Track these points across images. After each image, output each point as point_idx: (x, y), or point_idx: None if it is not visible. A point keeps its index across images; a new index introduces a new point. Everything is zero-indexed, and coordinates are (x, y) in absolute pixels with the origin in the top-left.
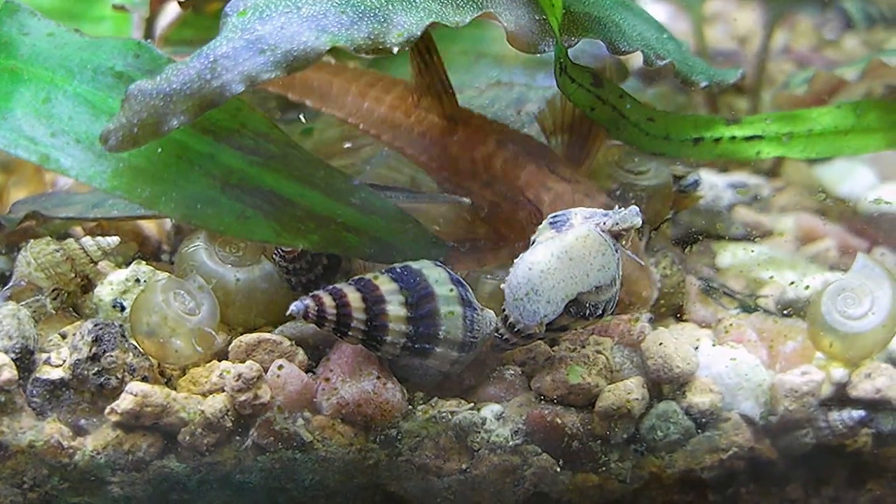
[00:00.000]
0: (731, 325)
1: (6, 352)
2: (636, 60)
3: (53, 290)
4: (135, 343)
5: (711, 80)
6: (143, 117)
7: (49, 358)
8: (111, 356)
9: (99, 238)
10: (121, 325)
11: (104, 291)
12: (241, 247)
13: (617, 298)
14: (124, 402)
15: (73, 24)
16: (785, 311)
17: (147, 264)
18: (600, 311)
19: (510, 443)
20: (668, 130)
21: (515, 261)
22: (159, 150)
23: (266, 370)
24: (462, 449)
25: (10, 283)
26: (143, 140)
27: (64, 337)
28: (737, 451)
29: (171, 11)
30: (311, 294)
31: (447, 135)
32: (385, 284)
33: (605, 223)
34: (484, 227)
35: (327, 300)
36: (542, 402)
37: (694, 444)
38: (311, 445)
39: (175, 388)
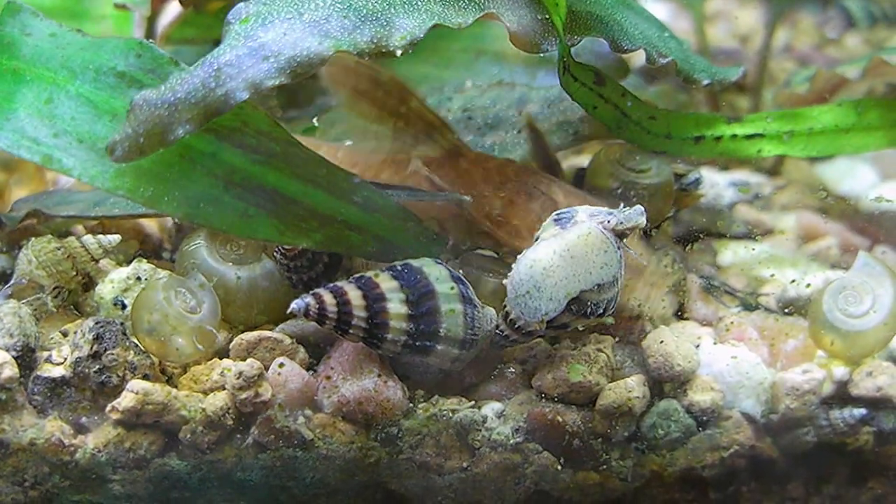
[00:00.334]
0: (732, 323)
1: (7, 350)
2: (638, 59)
3: (55, 288)
4: (136, 341)
5: (713, 77)
6: (149, 127)
7: (50, 356)
8: (112, 354)
9: (100, 236)
10: (122, 324)
11: (105, 289)
12: (242, 245)
13: (618, 297)
14: (125, 400)
15: (74, 23)
16: (786, 310)
17: (148, 262)
18: (601, 310)
19: (511, 441)
20: (670, 129)
21: (518, 257)
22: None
23: (267, 368)
24: (463, 447)
25: (12, 281)
26: (149, 150)
27: (65, 335)
28: (738, 450)
29: (173, 10)
30: (311, 292)
31: (455, 156)
32: (386, 282)
33: (609, 221)
34: (482, 228)
35: (328, 298)
36: (543, 400)
37: (695, 443)
38: (311, 443)
39: (176, 386)
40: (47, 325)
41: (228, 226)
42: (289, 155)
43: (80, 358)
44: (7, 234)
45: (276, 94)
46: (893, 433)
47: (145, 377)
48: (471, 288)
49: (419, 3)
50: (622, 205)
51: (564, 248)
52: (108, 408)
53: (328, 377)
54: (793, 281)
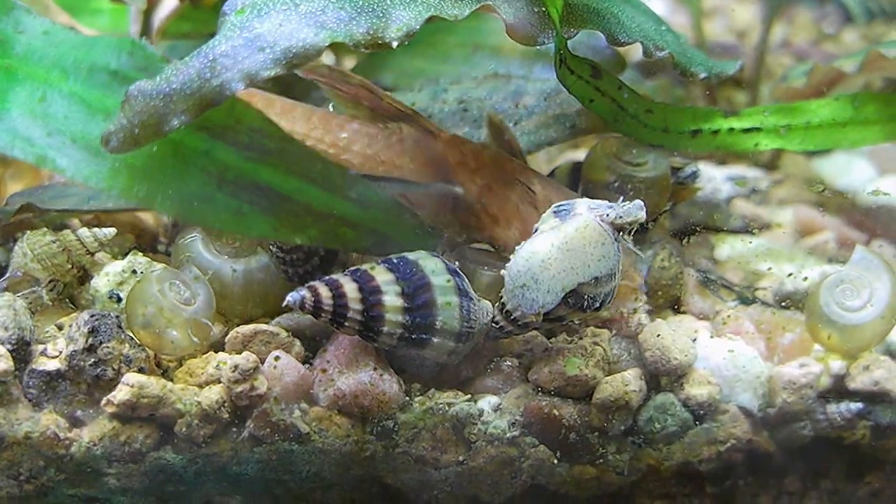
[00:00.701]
0: (729, 316)
1: (2, 343)
2: (635, 53)
3: (50, 282)
4: (131, 334)
5: (710, 71)
6: (144, 118)
7: (45, 349)
8: (107, 347)
9: (95, 229)
10: (117, 316)
11: (101, 282)
12: (238, 238)
13: (615, 291)
14: (120, 394)
15: (71, 17)
16: (783, 304)
17: (144, 255)
18: (598, 304)
19: (507, 434)
20: (667, 122)
21: (517, 248)
22: (154, 148)
23: (263, 361)
24: (459, 440)
25: (7, 275)
26: (144, 141)
27: (60, 328)
28: (734, 444)
29: (169, 4)
30: (307, 285)
31: (430, 138)
32: (381, 275)
33: (608, 215)
34: (459, 221)
35: (324, 291)
36: (540, 393)
37: (692, 436)
38: (307, 437)
39: (171, 380)
40: (42, 319)
41: (223, 223)
42: (283, 152)
43: (75, 351)
44: (2, 228)
45: (270, 87)
46: (890, 427)
47: (140, 370)
48: (467, 280)
49: None
50: (621, 198)
51: (562, 240)
52: (104, 401)
53: (324, 370)
54: (790, 275)
